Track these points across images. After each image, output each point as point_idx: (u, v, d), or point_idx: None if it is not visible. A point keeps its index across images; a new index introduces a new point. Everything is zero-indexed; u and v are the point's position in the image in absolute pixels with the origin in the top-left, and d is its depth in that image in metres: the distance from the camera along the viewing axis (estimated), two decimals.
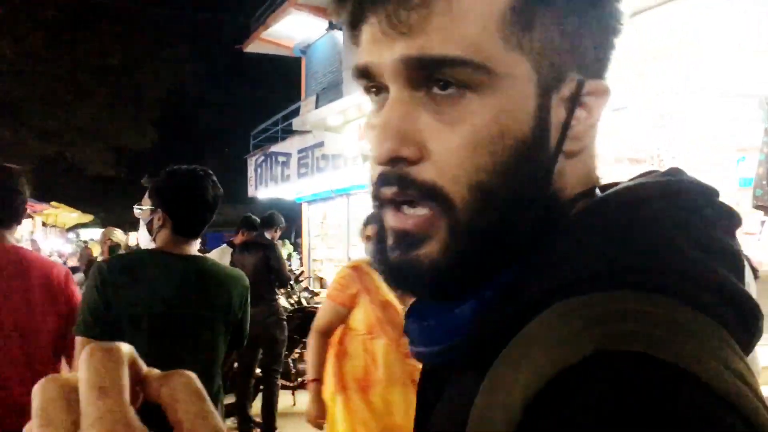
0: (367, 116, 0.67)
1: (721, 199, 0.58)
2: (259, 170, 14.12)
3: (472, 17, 0.53)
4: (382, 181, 0.58)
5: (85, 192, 24.20)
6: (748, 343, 0.51)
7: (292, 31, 13.92)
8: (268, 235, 6.01)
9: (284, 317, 5.89)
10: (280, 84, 20.48)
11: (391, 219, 0.58)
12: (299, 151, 11.91)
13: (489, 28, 0.54)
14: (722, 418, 0.40)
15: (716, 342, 0.46)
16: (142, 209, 2.49)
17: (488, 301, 0.57)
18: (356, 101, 8.62)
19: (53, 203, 19.83)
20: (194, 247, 2.47)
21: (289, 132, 13.76)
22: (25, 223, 18.95)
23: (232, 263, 5.56)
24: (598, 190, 0.62)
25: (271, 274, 5.74)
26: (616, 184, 0.61)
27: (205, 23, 22.76)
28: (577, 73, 0.57)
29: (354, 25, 0.60)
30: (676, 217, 0.54)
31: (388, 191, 0.57)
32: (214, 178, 2.45)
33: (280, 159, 12.92)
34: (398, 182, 0.56)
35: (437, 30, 0.53)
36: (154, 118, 23.44)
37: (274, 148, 13.46)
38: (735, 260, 0.53)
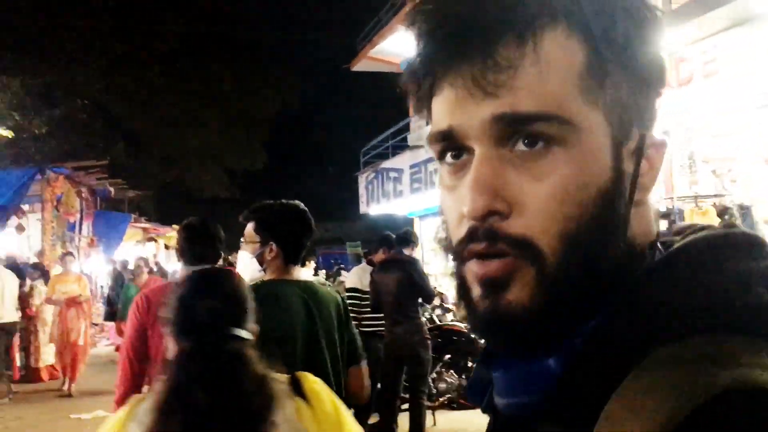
0: (439, 180, 0.65)
1: None
2: (370, 187, 14.19)
3: (555, 75, 0.56)
4: (471, 237, 0.58)
5: (202, 214, 25.24)
6: None
7: (400, 47, 13.93)
8: (406, 252, 5.93)
9: (428, 336, 5.74)
10: (388, 100, 20.60)
11: (476, 267, 0.59)
12: (411, 167, 11.86)
13: (570, 84, 0.57)
14: None
15: None
16: (249, 242, 2.66)
17: (578, 350, 0.57)
18: None
19: (174, 226, 20.84)
20: (298, 272, 2.69)
21: (399, 148, 13.75)
22: (149, 246, 19.99)
23: (372, 281, 5.49)
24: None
25: (415, 290, 5.64)
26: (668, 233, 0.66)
27: (312, 45, 23.28)
28: (638, 128, 0.61)
29: (432, 89, 0.61)
30: (749, 266, 0.56)
31: (477, 247, 0.58)
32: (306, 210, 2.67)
33: (392, 175, 12.92)
34: (488, 237, 0.57)
35: (524, 88, 0.56)
36: (265, 140, 24.18)
37: (386, 164, 13.49)
38: None
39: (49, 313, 9.32)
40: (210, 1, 21.40)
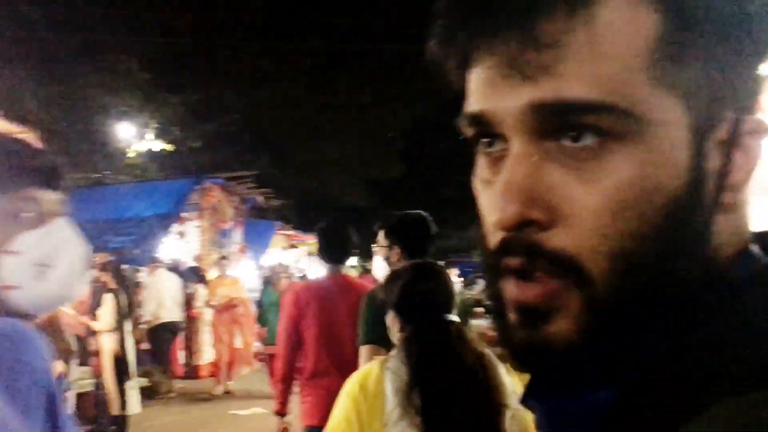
0: (476, 170, 0.52)
1: None
2: None
3: (614, 54, 0.44)
4: (505, 249, 0.47)
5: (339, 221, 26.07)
6: None
7: None
8: None
9: None
10: None
11: (513, 290, 0.47)
12: None
13: (634, 66, 0.44)
14: None
15: None
16: (380, 247, 3.03)
17: (634, 383, 0.46)
18: None
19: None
20: None
21: None
22: (292, 252, 20.88)
23: None
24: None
25: None
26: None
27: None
28: (730, 109, 0.46)
29: (462, 66, 0.50)
30: None
31: (513, 262, 0.47)
32: (430, 218, 2.97)
33: None
34: (526, 252, 0.46)
35: (572, 71, 0.44)
36: (402, 149, 24.61)
37: None
38: None
39: (209, 314, 9.66)
40: (351, 18, 22.11)
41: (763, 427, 0.38)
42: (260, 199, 15.52)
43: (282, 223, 19.75)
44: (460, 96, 0.53)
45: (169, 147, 17.22)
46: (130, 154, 15.75)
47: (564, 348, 0.46)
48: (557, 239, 0.45)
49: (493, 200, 0.47)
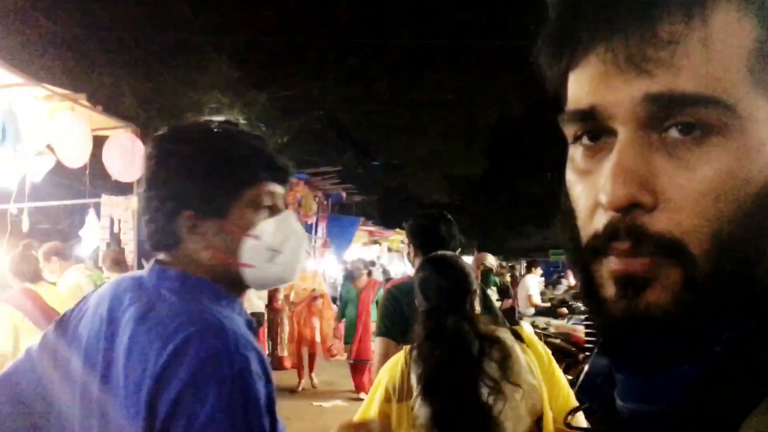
0: (570, 162, 0.58)
1: None
2: None
3: (722, 55, 0.49)
4: (611, 233, 0.52)
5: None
6: None
7: None
8: None
9: None
10: None
11: (613, 264, 0.52)
12: None
13: (738, 67, 0.50)
14: None
15: None
16: (403, 244, 3.37)
17: (718, 357, 0.50)
18: None
19: (398, 230, 21.69)
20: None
21: None
22: (374, 248, 21.03)
23: None
24: None
25: None
26: None
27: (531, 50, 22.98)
28: None
29: (569, 66, 0.55)
30: None
31: (621, 246, 0.51)
32: (449, 217, 3.13)
33: None
34: (633, 236, 0.51)
35: (686, 67, 0.49)
36: (485, 146, 24.36)
37: None
38: None
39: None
40: (436, 14, 22.03)
41: None
42: (343, 194, 15.69)
43: (364, 218, 19.93)
44: (552, 95, 0.59)
45: None
46: None
47: (661, 318, 0.51)
48: (662, 222, 0.50)
49: (597, 185, 0.52)
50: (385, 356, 3.20)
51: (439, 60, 22.00)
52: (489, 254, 8.27)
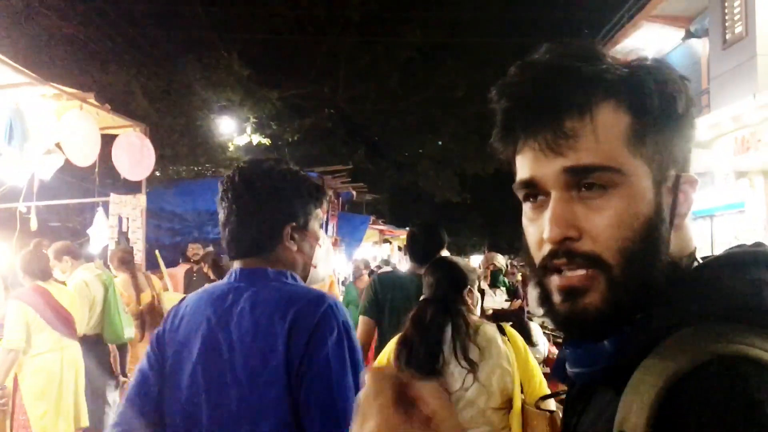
0: (524, 214, 0.85)
1: None
2: None
3: (607, 137, 0.78)
4: (552, 255, 0.79)
5: (433, 218, 25.97)
6: None
7: (644, 43, 13.21)
8: None
9: None
10: None
11: (557, 281, 0.80)
12: None
13: (618, 144, 0.78)
14: None
15: None
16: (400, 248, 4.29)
17: (627, 334, 0.76)
18: (732, 113, 7.72)
19: (408, 228, 21.71)
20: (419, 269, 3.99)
21: None
22: (384, 247, 21.02)
23: None
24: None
25: None
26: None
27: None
28: (674, 169, 0.81)
29: (515, 150, 0.84)
30: (762, 276, 0.75)
31: (559, 261, 0.78)
32: (439, 230, 3.78)
33: None
34: (566, 255, 0.78)
35: (584, 148, 0.77)
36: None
37: None
38: None
39: None
40: (446, 11, 21.95)
41: (693, 338, 0.68)
42: (354, 193, 15.68)
43: (375, 217, 19.93)
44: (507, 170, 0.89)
45: (266, 141, 17.63)
46: (230, 148, 16.22)
47: (594, 313, 0.78)
48: (586, 245, 0.78)
49: (540, 229, 0.81)
50: (365, 333, 4.05)
51: (450, 57, 21.93)
52: (498, 254, 8.16)
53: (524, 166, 0.82)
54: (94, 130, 5.74)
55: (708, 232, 10.69)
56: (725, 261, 0.80)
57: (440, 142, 22.80)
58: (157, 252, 7.76)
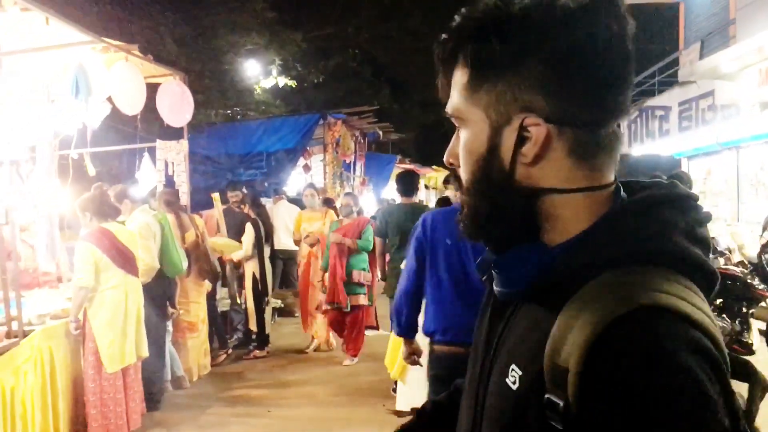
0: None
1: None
2: (633, 126, 13.63)
3: (457, 90, 0.95)
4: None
5: None
6: (708, 294, 0.86)
7: None
8: None
9: None
10: (654, 34, 19.41)
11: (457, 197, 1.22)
12: (680, 104, 11.19)
13: (462, 96, 0.94)
14: (687, 330, 0.76)
15: (694, 295, 0.81)
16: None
17: (549, 263, 0.89)
18: (757, 44, 7.77)
19: (434, 167, 21.85)
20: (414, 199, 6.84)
21: (665, 84, 12.97)
22: None
23: None
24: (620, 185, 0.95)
25: None
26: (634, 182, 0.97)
27: None
28: (519, 113, 0.89)
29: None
30: (674, 218, 0.88)
31: (454, 181, 1.13)
32: (415, 175, 6.06)
33: (658, 113, 12.29)
34: (455, 177, 1.02)
35: (450, 102, 0.97)
36: None
37: (651, 102, 12.83)
38: (706, 244, 0.89)
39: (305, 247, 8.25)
40: None
41: (615, 285, 0.80)
42: (380, 133, 15.82)
43: (401, 156, 20.10)
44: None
45: (292, 83, 17.75)
46: (257, 90, 16.41)
47: (466, 225, 0.98)
48: (459, 171, 0.99)
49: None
50: (380, 247, 6.83)
51: None
52: None
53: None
54: (140, 80, 6.05)
55: (734, 162, 10.79)
56: (641, 201, 0.90)
57: None
58: (215, 195, 8.16)
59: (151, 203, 6.30)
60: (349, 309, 7.40)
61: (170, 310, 6.15)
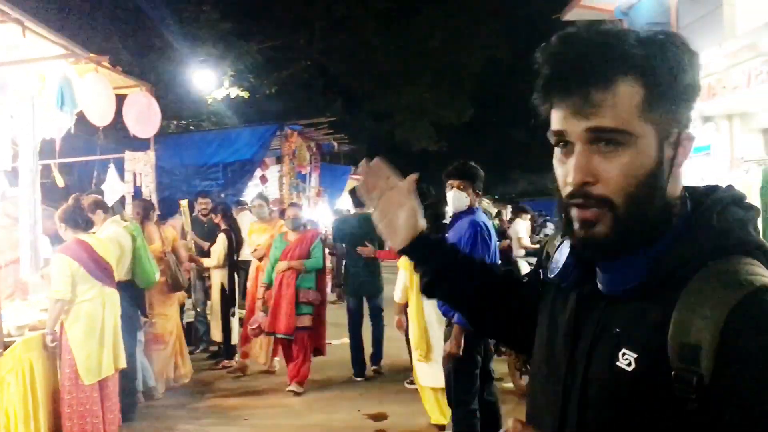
0: (555, 157, 1.07)
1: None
2: None
3: (623, 107, 0.97)
4: (571, 195, 1.02)
5: (411, 168, 26.08)
6: None
7: None
8: None
9: None
10: None
11: (576, 213, 1.02)
12: None
13: (632, 112, 0.97)
14: None
15: None
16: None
17: (656, 261, 0.99)
18: (701, 62, 8.18)
19: None
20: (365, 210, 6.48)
21: None
22: None
23: None
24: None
25: None
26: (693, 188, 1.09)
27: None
28: (677, 128, 1.00)
29: (552, 104, 1.04)
30: (743, 215, 1.02)
31: (575, 201, 1.01)
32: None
33: None
34: (582, 196, 1.01)
35: (605, 113, 0.97)
36: (472, 93, 24.49)
37: None
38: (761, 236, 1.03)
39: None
40: None
41: (730, 271, 0.92)
42: (335, 144, 15.88)
43: (354, 167, 20.18)
44: (543, 120, 1.08)
45: (244, 94, 17.71)
46: (211, 101, 16.34)
47: (603, 239, 1.01)
48: (599, 189, 1.00)
49: (566, 170, 1.03)
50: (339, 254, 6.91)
51: (426, 6, 21.98)
52: (485, 199, 8.67)
53: (557, 121, 1.03)
54: (110, 92, 6.06)
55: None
56: (719, 201, 1.04)
57: (416, 92, 22.95)
58: (183, 203, 8.13)
59: (123, 214, 6.28)
60: (292, 337, 6.66)
61: (142, 319, 6.14)
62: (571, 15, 16.10)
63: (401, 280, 5.89)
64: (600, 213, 1.00)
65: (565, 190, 1.03)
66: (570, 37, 1.02)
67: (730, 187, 1.09)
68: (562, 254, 1.17)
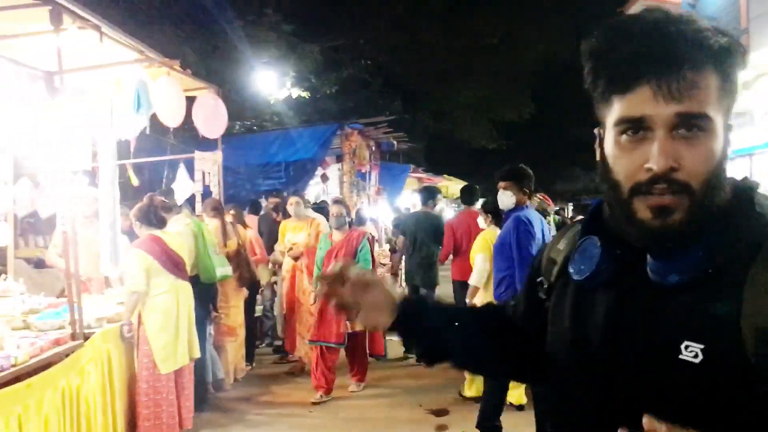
0: (616, 144, 1.05)
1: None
2: None
3: (708, 93, 0.98)
4: (653, 181, 0.99)
5: (470, 165, 26.16)
6: None
7: None
8: None
9: None
10: None
11: (649, 200, 1.00)
12: None
13: (713, 98, 0.99)
14: None
15: None
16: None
17: (711, 248, 0.99)
18: None
19: (445, 176, 22.03)
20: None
21: None
22: None
23: None
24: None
25: None
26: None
27: None
28: (730, 120, 1.04)
29: (628, 85, 1.01)
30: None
31: (659, 187, 0.99)
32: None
33: None
34: (667, 182, 0.99)
35: (696, 99, 0.97)
36: (533, 90, 24.22)
37: None
38: None
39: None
40: None
41: None
42: (394, 143, 15.98)
43: (414, 165, 20.27)
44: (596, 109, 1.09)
45: (305, 94, 17.97)
46: (273, 102, 16.65)
47: (680, 227, 1.00)
48: (682, 175, 0.99)
49: (636, 157, 1.01)
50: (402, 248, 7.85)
51: (485, 4, 21.84)
52: (536, 197, 8.63)
53: (635, 105, 1.00)
54: (180, 94, 6.28)
55: (747, 170, 10.93)
56: (749, 188, 1.09)
57: (476, 90, 22.84)
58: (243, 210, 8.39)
59: (187, 212, 6.53)
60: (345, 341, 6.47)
61: (213, 313, 6.37)
62: (635, 8, 15.87)
63: (479, 263, 5.88)
64: (679, 200, 0.99)
65: (637, 178, 1.01)
66: (641, 18, 1.02)
67: (746, 177, 1.13)
68: (588, 254, 1.14)
